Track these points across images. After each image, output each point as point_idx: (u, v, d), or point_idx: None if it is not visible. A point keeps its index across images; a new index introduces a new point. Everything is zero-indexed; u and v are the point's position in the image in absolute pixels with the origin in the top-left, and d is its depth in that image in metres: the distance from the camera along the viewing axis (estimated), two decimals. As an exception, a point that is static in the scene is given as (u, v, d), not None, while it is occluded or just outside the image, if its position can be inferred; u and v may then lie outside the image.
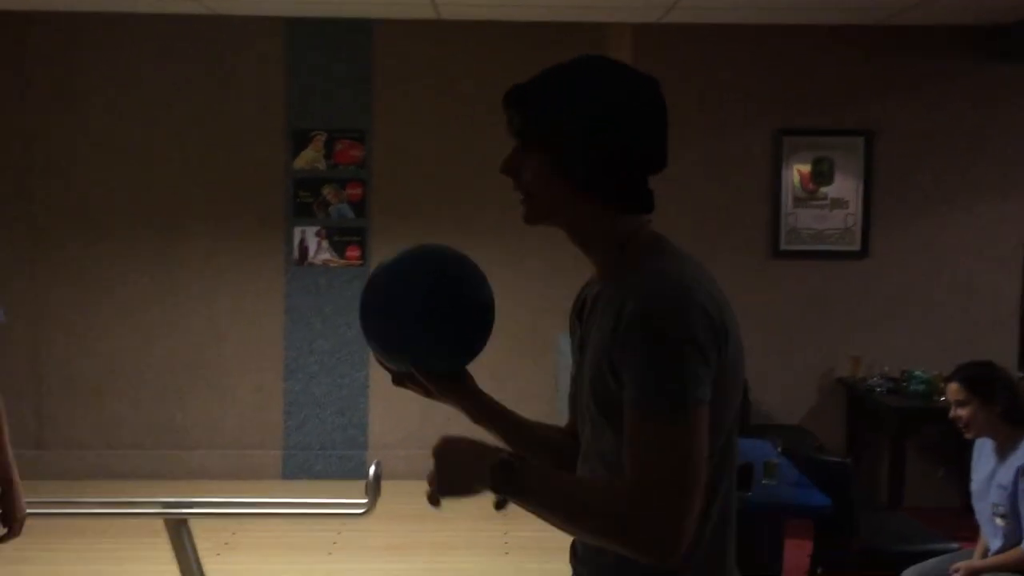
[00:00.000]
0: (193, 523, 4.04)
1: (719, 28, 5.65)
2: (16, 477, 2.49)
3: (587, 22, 5.62)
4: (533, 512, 1.30)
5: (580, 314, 1.45)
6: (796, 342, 5.76)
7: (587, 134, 1.30)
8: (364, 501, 4.09)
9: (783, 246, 5.77)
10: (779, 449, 3.82)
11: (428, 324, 1.43)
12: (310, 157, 5.97)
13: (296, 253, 6.04)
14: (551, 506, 1.27)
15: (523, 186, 1.37)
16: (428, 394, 1.52)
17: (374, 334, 1.47)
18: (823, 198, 5.76)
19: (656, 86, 1.37)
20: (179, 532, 3.98)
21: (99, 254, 5.97)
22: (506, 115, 1.37)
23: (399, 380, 1.52)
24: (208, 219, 5.98)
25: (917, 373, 5.28)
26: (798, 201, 5.77)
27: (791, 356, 5.75)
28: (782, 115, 5.74)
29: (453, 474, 1.34)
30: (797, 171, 5.75)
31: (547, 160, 1.33)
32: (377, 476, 4.10)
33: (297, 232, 6.02)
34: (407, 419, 5.98)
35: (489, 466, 1.28)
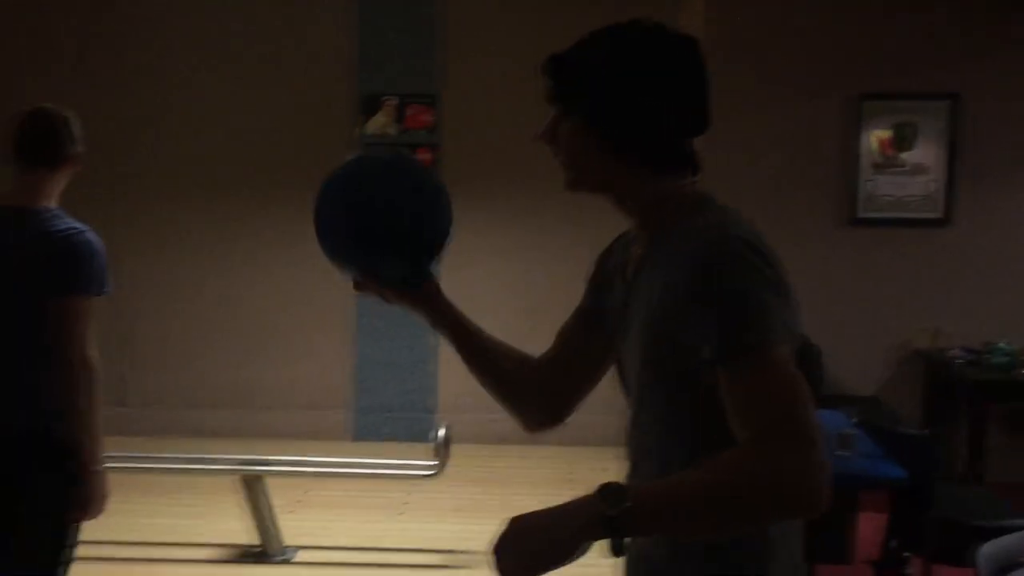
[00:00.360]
0: (268, 481, 4.14)
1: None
2: (98, 456, 2.52)
3: (661, -17, 5.51)
4: (657, 528, 1.19)
5: (622, 273, 1.42)
6: (873, 311, 5.64)
7: (624, 98, 1.30)
8: (434, 463, 4.15)
9: (861, 213, 5.63)
10: (854, 420, 3.75)
11: (359, 237, 1.46)
12: (381, 122, 6.00)
13: (367, 217, 6.09)
14: (677, 505, 1.15)
15: (563, 153, 1.37)
16: (386, 299, 1.55)
17: (321, 246, 1.51)
18: (903, 164, 5.60)
19: (695, 47, 1.34)
20: (255, 489, 4.09)
21: (177, 217, 6.11)
22: (544, 83, 1.37)
23: (357, 287, 1.56)
24: (281, 184, 6.06)
25: (1000, 345, 5.13)
26: (876, 167, 5.62)
27: (867, 325, 5.63)
28: (861, 78, 5.58)
29: (544, 545, 1.16)
30: (875, 136, 5.59)
31: (586, 126, 1.33)
32: (446, 439, 4.15)
33: (368, 197, 6.06)
34: (474, 382, 6.01)
35: (589, 499, 1.15)
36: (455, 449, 4.23)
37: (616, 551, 1.14)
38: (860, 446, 3.50)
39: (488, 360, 1.59)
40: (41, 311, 2.48)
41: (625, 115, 1.30)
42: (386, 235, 1.46)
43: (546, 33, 5.90)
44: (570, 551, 1.15)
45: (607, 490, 1.16)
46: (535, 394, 1.58)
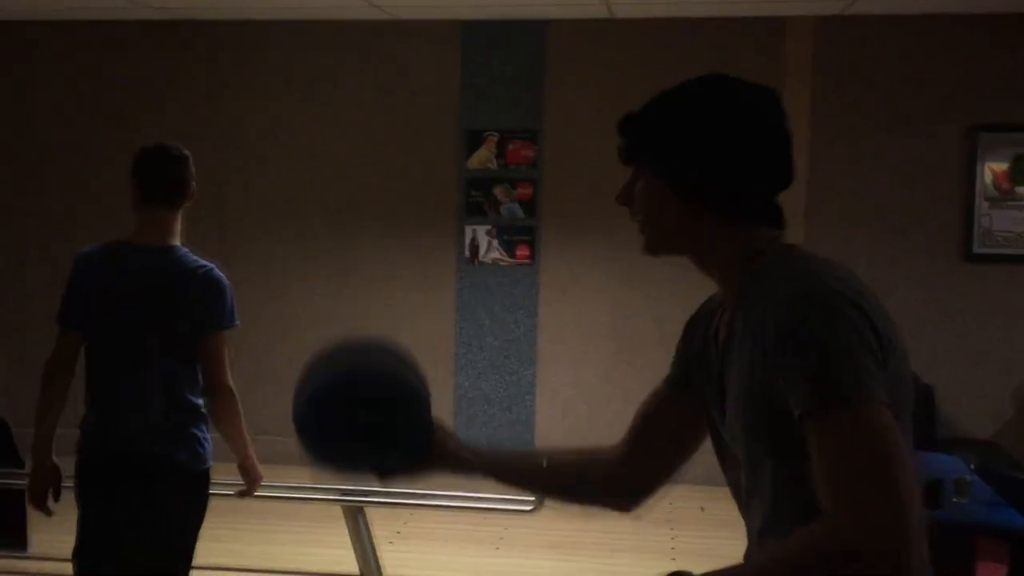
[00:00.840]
0: (368, 511, 4.19)
1: (906, 19, 5.37)
2: (248, 454, 2.87)
3: (766, 16, 5.46)
4: None
5: (714, 340, 1.36)
6: (989, 351, 5.40)
7: (699, 155, 1.28)
8: (532, 498, 4.13)
9: (977, 249, 5.42)
10: (971, 466, 3.59)
11: (338, 458, 1.49)
12: (483, 157, 6.08)
13: (467, 251, 6.16)
14: None
15: (640, 214, 1.34)
16: (410, 476, 1.56)
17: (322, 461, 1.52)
18: (1021, 199, 5.38)
19: (774, 99, 1.31)
20: (356, 519, 4.14)
21: (278, 249, 6.28)
22: (619, 143, 1.36)
23: (381, 477, 1.56)
24: (383, 217, 6.19)
25: None
26: (992, 202, 5.41)
27: (984, 365, 5.40)
28: (975, 110, 5.40)
29: None
30: (990, 169, 5.39)
31: (663, 185, 1.30)
32: (545, 474, 4.14)
33: (468, 231, 6.14)
34: (574, 417, 5.99)
35: None
36: (553, 484, 4.21)
37: None
38: (978, 493, 3.35)
39: (544, 479, 1.56)
40: (186, 345, 2.61)
41: (700, 172, 1.27)
42: (351, 440, 1.47)
43: (650, 69, 5.92)
44: None
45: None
46: (614, 488, 1.53)
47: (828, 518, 1.09)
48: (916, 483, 1.10)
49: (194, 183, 2.69)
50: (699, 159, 1.27)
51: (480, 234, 6.13)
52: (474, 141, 6.07)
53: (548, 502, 4.10)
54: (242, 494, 2.93)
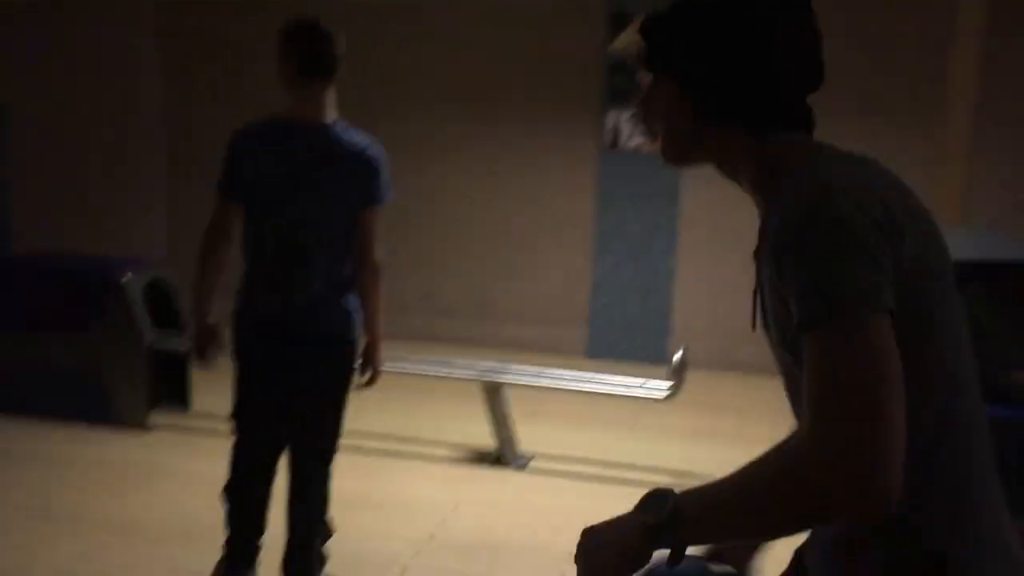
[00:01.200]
0: (507, 390, 4.32)
1: None
2: (380, 333, 2.86)
3: None
4: (706, 532, 1.15)
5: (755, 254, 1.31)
6: None
7: (719, 56, 1.21)
8: (667, 384, 4.17)
9: None
10: None
11: None
12: (628, 40, 5.92)
13: (609, 137, 6.08)
14: (721, 506, 1.11)
15: (660, 121, 1.28)
16: None
17: None
18: None
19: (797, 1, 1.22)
20: (495, 397, 4.28)
21: (423, 132, 6.37)
22: (637, 47, 1.29)
23: None
24: (525, 101, 6.16)
25: None
26: None
27: None
28: None
29: (605, 559, 1.18)
30: None
31: (684, 90, 1.24)
32: (681, 362, 4.15)
33: (611, 116, 6.04)
34: (711, 308, 5.94)
35: (638, 510, 1.16)
36: (688, 373, 4.22)
37: (672, 558, 1.13)
38: None
39: None
40: (348, 219, 2.69)
41: (718, 80, 1.21)
42: None
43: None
44: (627, 563, 1.16)
45: (649, 499, 1.15)
46: None
47: (805, 434, 1.05)
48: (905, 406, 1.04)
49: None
50: (717, 66, 1.22)
51: (623, 120, 6.02)
52: (619, 24, 5.91)
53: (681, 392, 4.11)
54: (367, 383, 2.94)
